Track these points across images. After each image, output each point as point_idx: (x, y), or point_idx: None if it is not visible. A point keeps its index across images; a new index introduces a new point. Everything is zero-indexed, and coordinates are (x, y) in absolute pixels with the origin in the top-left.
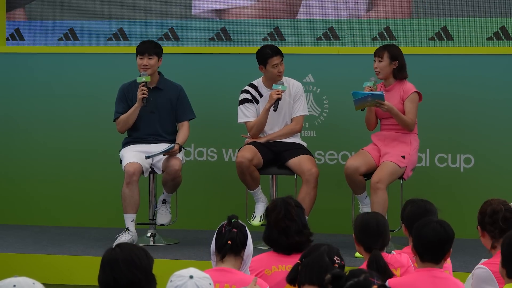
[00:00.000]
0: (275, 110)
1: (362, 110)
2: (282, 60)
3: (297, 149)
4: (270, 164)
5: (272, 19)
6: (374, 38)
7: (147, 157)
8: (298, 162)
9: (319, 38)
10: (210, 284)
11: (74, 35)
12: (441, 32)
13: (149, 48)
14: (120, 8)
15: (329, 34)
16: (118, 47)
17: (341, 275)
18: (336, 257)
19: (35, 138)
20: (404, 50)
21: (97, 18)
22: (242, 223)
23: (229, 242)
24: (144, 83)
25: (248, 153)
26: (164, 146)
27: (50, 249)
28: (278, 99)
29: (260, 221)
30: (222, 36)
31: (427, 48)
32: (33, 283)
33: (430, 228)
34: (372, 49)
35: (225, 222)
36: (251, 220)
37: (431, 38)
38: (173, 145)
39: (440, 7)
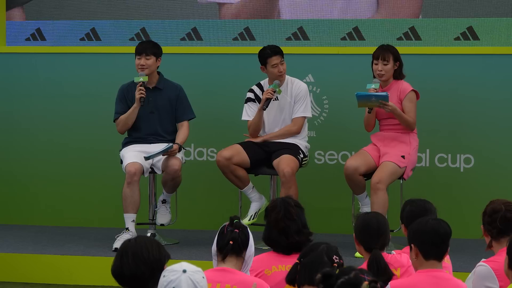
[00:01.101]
0: (263, 109)
1: (369, 112)
2: (282, 60)
3: (284, 149)
4: (261, 164)
5: (298, 19)
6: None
7: (146, 158)
8: (277, 162)
9: (343, 38)
10: (203, 277)
11: (74, 35)
12: (442, 32)
13: (146, 48)
14: (121, 8)
15: (355, 34)
16: (119, 47)
17: (331, 274)
18: (335, 256)
19: (35, 138)
20: (404, 50)
21: (99, 18)
22: (244, 223)
23: (231, 242)
24: (141, 83)
25: (227, 152)
26: (163, 146)
27: (50, 249)
28: (268, 99)
29: (249, 220)
30: (247, 36)
31: (427, 48)
32: None
33: (431, 224)
34: (371, 49)
35: (227, 222)
36: (242, 219)
37: (456, 38)
38: (171, 144)
39: (440, 6)
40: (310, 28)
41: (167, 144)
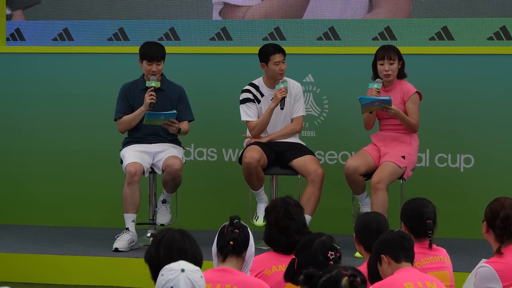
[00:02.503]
0: (282, 109)
1: (370, 112)
2: (284, 59)
3: (300, 149)
4: (272, 164)
5: (274, 20)
6: (375, 38)
7: (148, 115)
8: (303, 162)
9: (320, 38)
10: (201, 277)
11: (75, 35)
12: (442, 32)
13: (157, 54)
14: (121, 8)
15: (330, 34)
16: (119, 47)
17: (313, 274)
18: (330, 252)
19: (35, 138)
20: (405, 50)
21: (97, 18)
22: (244, 224)
23: (231, 242)
24: (153, 88)
25: (256, 154)
26: (164, 147)
27: (50, 249)
28: (283, 98)
29: (263, 221)
30: (223, 36)
31: (427, 48)
32: None
33: (394, 233)
34: (371, 49)
35: (227, 222)
36: (254, 220)
37: (432, 38)
38: (175, 112)
39: (440, 7)
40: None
41: (174, 111)
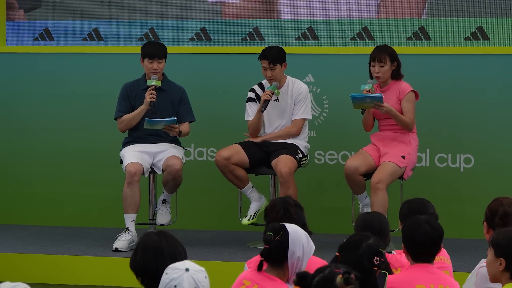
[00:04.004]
0: (261, 111)
1: (362, 113)
2: (273, 66)
3: (282, 149)
4: (261, 164)
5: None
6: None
7: (148, 122)
8: (276, 163)
9: (297, 37)
10: (205, 277)
11: (75, 35)
12: (442, 33)
13: (158, 51)
14: (121, 8)
15: (308, 34)
16: (119, 47)
17: (305, 275)
18: (375, 257)
19: (36, 138)
20: (406, 50)
21: (99, 18)
22: (277, 238)
23: (261, 258)
24: (154, 86)
25: (226, 152)
26: (164, 147)
27: (50, 249)
28: (266, 101)
29: (248, 220)
30: (251, 36)
31: (428, 48)
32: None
33: (421, 230)
34: (371, 49)
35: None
36: (240, 219)
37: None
38: (175, 119)
39: (441, 6)
40: (320, 28)
41: (173, 118)
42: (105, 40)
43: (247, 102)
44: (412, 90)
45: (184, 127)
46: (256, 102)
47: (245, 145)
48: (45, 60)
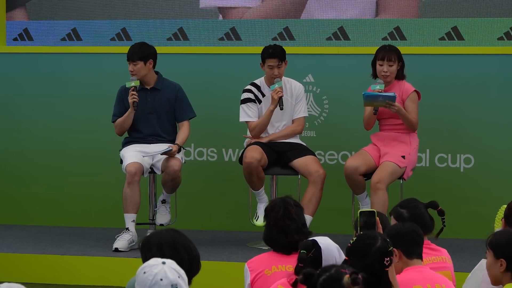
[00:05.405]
0: (281, 109)
1: (375, 113)
2: (280, 63)
3: (301, 150)
4: (273, 164)
5: (278, 19)
6: (384, 38)
7: (144, 156)
8: (305, 163)
9: (329, 38)
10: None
11: (76, 35)
12: (442, 33)
13: (133, 54)
14: (122, 8)
15: (339, 34)
16: (120, 47)
17: (312, 273)
18: (386, 258)
19: (35, 138)
20: (407, 50)
21: (99, 18)
22: (311, 255)
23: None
24: (133, 87)
25: (257, 154)
26: (164, 147)
27: (50, 249)
28: (280, 97)
29: (263, 221)
30: (232, 36)
31: (428, 48)
32: None
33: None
34: (372, 49)
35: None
36: (255, 220)
37: (441, 38)
38: (170, 148)
39: (441, 7)
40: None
41: (167, 147)
42: (104, 40)
43: (243, 103)
44: (414, 90)
45: (183, 130)
46: (256, 103)
47: (261, 146)
48: (45, 60)
